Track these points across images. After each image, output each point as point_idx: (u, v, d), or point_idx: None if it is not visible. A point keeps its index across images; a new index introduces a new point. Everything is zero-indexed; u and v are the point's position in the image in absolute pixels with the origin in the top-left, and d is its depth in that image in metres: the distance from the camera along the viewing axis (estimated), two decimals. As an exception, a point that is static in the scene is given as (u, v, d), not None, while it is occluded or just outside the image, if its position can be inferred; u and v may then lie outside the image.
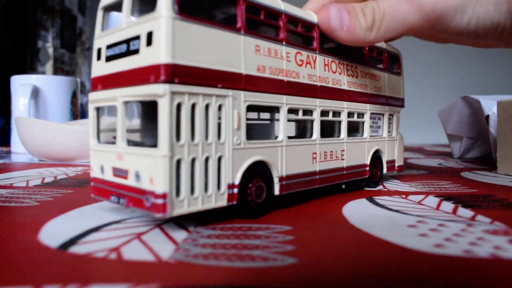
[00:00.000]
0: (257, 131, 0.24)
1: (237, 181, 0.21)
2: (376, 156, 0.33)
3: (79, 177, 0.37)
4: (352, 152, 0.30)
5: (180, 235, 0.18)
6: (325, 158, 0.27)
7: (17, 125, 0.50)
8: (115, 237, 0.18)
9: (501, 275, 0.14)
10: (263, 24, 0.23)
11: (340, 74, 0.28)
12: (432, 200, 0.27)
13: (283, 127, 0.24)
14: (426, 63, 1.67)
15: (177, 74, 0.18)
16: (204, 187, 0.19)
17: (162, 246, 0.16)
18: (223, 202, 0.20)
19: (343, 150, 0.29)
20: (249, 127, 0.22)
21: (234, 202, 0.21)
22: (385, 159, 0.34)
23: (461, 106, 0.58)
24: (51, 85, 0.63)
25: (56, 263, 0.14)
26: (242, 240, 0.17)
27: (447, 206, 0.25)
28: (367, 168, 0.32)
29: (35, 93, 0.60)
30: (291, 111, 0.24)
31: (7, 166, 0.45)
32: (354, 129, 0.31)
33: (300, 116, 0.25)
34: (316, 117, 0.26)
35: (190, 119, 0.19)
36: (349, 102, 0.29)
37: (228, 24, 0.21)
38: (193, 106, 0.19)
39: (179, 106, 0.18)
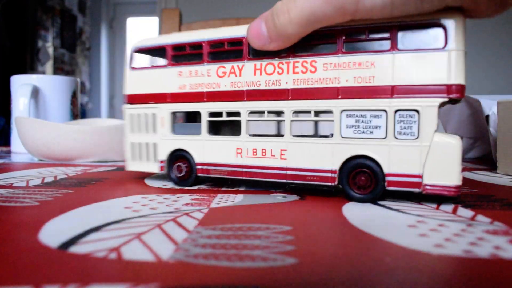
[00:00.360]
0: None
1: (162, 158, 0.33)
2: (361, 164, 0.26)
3: (79, 177, 0.37)
4: (302, 153, 0.28)
5: (180, 235, 0.18)
6: (253, 155, 0.30)
7: (17, 125, 0.50)
8: (115, 237, 0.18)
9: (501, 275, 0.14)
10: (190, 54, 0.32)
11: (280, 74, 0.28)
12: (432, 200, 0.27)
13: (205, 126, 0.31)
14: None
15: (129, 99, 0.34)
16: (147, 158, 0.34)
17: (162, 246, 0.16)
18: (156, 169, 0.33)
19: (283, 150, 0.28)
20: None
21: (162, 171, 0.33)
22: (387, 169, 0.25)
23: (461, 106, 0.58)
24: (51, 85, 0.63)
25: (56, 263, 0.14)
26: (242, 240, 0.17)
27: (447, 206, 0.25)
28: (333, 175, 0.27)
29: (35, 93, 0.60)
30: (213, 114, 0.31)
31: (7, 166, 0.45)
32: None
33: (224, 117, 0.30)
34: (243, 117, 0.30)
35: (138, 121, 0.34)
36: (296, 101, 0.28)
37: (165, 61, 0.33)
38: (138, 114, 0.34)
39: (132, 115, 0.34)
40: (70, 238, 0.17)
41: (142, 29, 2.89)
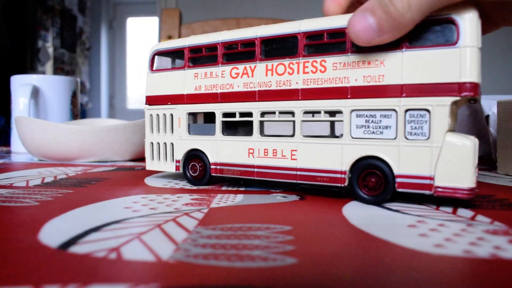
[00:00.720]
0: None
1: (178, 157, 0.34)
2: (371, 164, 0.25)
3: (79, 177, 0.37)
4: (311, 154, 0.28)
5: (180, 235, 0.18)
6: (265, 155, 0.30)
7: (17, 125, 0.50)
8: (115, 237, 0.18)
9: (501, 275, 0.14)
10: (206, 56, 0.32)
11: (291, 74, 0.28)
12: (432, 200, 0.27)
13: (219, 127, 0.32)
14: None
15: (147, 100, 0.35)
16: (165, 157, 0.34)
17: (162, 246, 0.16)
18: (173, 168, 0.34)
19: (293, 150, 0.28)
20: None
21: (179, 171, 0.34)
22: (397, 170, 0.24)
23: (461, 106, 0.58)
24: (51, 85, 0.63)
25: (56, 263, 0.14)
26: (242, 240, 0.17)
27: (447, 206, 0.25)
28: (342, 176, 0.26)
29: (35, 93, 0.60)
30: (226, 115, 0.31)
31: (7, 166, 0.45)
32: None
33: (237, 118, 0.31)
34: (255, 118, 0.30)
35: (157, 122, 0.35)
36: (306, 101, 0.28)
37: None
38: (157, 115, 0.35)
39: (151, 115, 0.35)
40: (70, 238, 0.17)
41: (142, 29, 2.89)
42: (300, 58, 0.28)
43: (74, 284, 0.12)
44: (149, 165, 0.35)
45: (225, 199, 0.27)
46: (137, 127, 0.49)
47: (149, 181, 0.35)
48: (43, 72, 2.19)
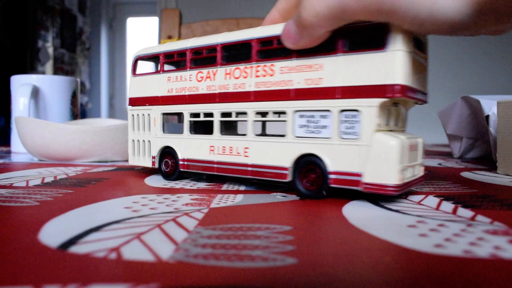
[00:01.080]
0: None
1: (154, 154, 0.37)
2: (310, 161, 0.27)
3: (79, 177, 0.37)
4: (262, 151, 0.30)
5: (180, 235, 0.18)
6: (223, 152, 0.32)
7: (17, 125, 0.50)
8: (115, 237, 0.18)
9: (501, 275, 0.14)
10: (178, 61, 0.35)
11: (245, 77, 0.31)
12: (432, 200, 0.27)
13: (186, 126, 0.34)
14: (426, 63, 1.67)
15: (130, 101, 0.39)
16: (144, 154, 0.38)
17: (162, 246, 0.16)
18: (150, 164, 0.37)
19: (246, 148, 0.31)
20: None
21: (154, 166, 0.37)
22: (330, 167, 0.26)
23: (461, 106, 0.58)
24: (51, 85, 0.63)
25: (56, 263, 0.14)
26: (242, 240, 0.17)
27: (447, 206, 0.25)
28: (285, 172, 0.28)
29: (35, 93, 0.60)
30: (193, 115, 0.34)
31: (7, 166, 0.45)
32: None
33: (202, 118, 0.33)
34: (216, 118, 0.32)
35: (137, 121, 0.38)
36: (257, 102, 0.30)
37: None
38: (138, 115, 0.38)
39: (133, 115, 0.39)
40: (70, 238, 0.17)
41: (142, 29, 2.89)
42: (253, 62, 0.30)
43: (74, 284, 0.12)
44: (131, 160, 0.39)
45: (225, 199, 0.27)
46: (137, 127, 0.49)
47: (149, 181, 0.35)
48: (43, 72, 2.19)
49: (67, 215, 0.22)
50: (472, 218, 0.22)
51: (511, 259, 0.15)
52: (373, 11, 0.22)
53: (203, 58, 0.34)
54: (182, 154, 0.35)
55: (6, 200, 0.26)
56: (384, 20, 0.23)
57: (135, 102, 0.38)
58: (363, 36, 0.25)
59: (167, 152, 0.36)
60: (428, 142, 1.21)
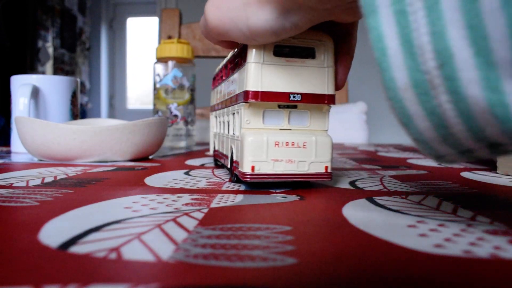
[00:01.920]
0: None
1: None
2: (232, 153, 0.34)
3: (79, 177, 0.37)
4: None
5: (180, 235, 0.18)
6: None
7: (17, 125, 0.50)
8: (115, 237, 0.18)
9: (501, 275, 0.14)
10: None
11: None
12: (432, 200, 0.27)
13: None
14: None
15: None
16: None
17: (162, 246, 0.16)
18: None
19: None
20: None
21: None
22: (235, 158, 0.32)
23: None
24: (51, 85, 0.63)
25: (56, 263, 0.14)
26: (242, 240, 0.17)
27: (447, 206, 0.25)
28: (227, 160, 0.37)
29: (35, 93, 0.60)
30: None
31: (7, 166, 0.45)
32: None
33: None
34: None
35: None
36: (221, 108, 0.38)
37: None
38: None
39: None
40: (70, 238, 0.17)
41: (142, 29, 2.89)
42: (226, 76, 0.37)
43: (74, 284, 0.12)
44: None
45: (225, 199, 0.27)
46: (137, 127, 0.49)
47: (149, 181, 0.35)
48: (43, 72, 2.18)
49: (67, 215, 0.22)
50: (472, 218, 0.22)
51: (511, 259, 0.15)
52: (214, 36, 0.29)
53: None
54: None
55: (6, 200, 0.26)
56: (228, 39, 0.28)
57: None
58: (241, 53, 0.31)
59: None
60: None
